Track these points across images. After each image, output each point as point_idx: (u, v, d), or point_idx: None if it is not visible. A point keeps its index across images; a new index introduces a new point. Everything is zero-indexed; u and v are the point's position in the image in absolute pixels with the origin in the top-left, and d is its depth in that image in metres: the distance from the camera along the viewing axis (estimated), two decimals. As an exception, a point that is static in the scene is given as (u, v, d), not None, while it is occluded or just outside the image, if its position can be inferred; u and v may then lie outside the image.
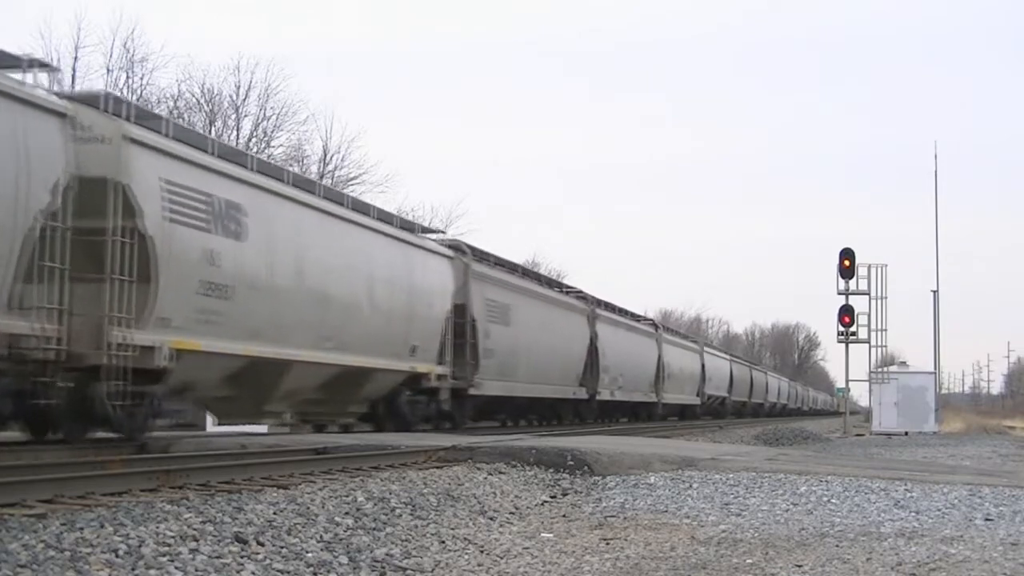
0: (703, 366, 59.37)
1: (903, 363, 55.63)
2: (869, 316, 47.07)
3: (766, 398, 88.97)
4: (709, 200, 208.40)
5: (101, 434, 16.34)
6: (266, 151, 45.47)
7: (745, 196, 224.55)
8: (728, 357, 73.01)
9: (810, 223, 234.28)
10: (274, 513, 9.39)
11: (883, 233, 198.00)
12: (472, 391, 27.84)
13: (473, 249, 29.57)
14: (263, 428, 23.63)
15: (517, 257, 44.47)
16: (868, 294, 47.01)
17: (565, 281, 45.56)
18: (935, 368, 52.25)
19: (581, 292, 40.20)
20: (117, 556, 7.30)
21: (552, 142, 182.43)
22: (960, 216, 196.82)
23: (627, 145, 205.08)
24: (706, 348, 63.59)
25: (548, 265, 77.85)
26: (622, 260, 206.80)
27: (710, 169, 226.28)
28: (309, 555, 8.28)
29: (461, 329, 27.31)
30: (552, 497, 13.37)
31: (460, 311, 27.32)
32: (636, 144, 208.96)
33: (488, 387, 28.80)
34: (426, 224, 35.02)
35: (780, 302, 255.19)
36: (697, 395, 57.77)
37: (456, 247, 28.47)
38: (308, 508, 9.86)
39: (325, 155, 50.46)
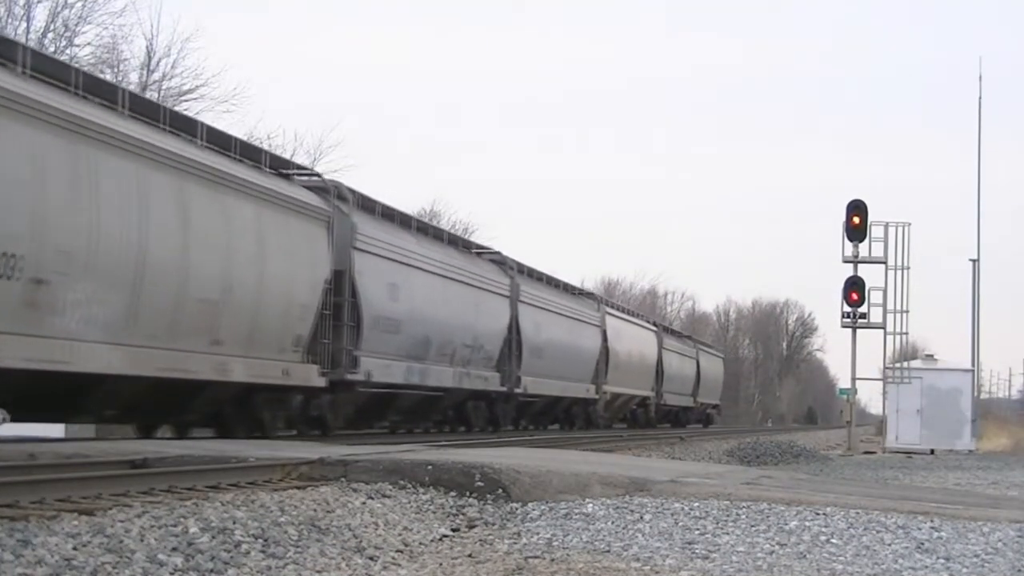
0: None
1: (930, 357, 55.69)
2: (885, 292, 47.30)
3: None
4: (657, 124, 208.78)
5: None
6: (68, 51, 44.91)
7: (720, 131, 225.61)
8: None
9: (805, 170, 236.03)
10: (74, 548, 9.33)
11: (903, 186, 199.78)
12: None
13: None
14: (60, 431, 23.42)
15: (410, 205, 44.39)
16: (885, 263, 47.22)
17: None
18: (973, 364, 52.74)
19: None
20: None
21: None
22: (1008, 166, 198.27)
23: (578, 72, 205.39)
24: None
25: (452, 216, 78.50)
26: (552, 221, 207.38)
27: (679, 87, 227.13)
28: (122, 606, 8.25)
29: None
30: (454, 530, 13.40)
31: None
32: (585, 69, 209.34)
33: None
34: (287, 158, 34.86)
35: (765, 274, 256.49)
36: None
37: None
38: (121, 542, 9.81)
39: (149, 59, 50.01)
